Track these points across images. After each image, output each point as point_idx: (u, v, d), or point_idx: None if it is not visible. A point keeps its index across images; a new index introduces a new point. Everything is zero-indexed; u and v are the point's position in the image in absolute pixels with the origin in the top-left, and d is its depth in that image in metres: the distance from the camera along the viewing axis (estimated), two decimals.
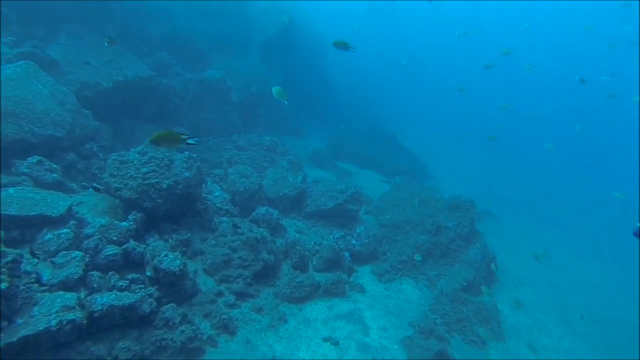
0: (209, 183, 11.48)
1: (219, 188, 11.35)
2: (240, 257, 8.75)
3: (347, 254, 10.52)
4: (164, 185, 8.17)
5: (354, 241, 10.95)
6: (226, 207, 10.48)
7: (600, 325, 11.42)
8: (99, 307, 5.65)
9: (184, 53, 14.74)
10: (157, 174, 8.22)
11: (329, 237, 11.01)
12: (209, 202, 10.16)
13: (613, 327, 11.48)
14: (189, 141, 5.04)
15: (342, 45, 7.75)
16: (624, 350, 10.41)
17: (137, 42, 13.96)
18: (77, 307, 5.38)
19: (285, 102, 8.30)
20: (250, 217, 10.61)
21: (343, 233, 11.52)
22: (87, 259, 6.28)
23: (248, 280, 8.53)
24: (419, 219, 12.51)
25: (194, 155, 9.20)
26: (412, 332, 8.51)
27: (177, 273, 6.82)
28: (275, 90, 8.43)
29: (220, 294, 8.03)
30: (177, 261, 6.96)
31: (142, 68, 11.95)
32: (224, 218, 9.93)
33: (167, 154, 8.68)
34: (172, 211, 8.63)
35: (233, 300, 8.01)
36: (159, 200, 8.06)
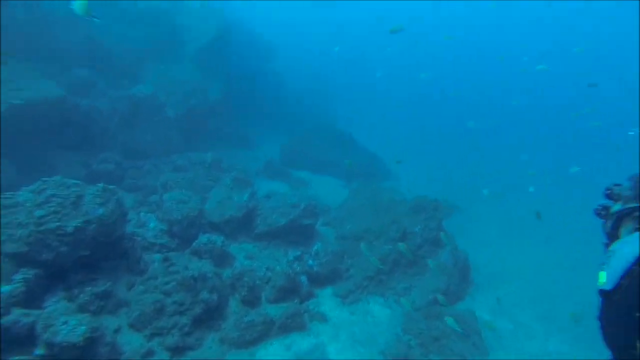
0: (142, 214, 9.73)
1: (154, 218, 9.61)
2: (175, 302, 7.11)
3: (304, 278, 9.05)
4: (69, 229, 6.43)
5: (311, 262, 9.50)
6: (161, 241, 8.78)
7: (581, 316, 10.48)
8: None
9: (107, 67, 12.77)
10: (59, 216, 6.47)
11: (283, 260, 9.51)
12: (138, 238, 8.44)
13: (591, 315, 10.59)
14: None
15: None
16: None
17: (48, 58, 11.92)
18: None
19: (96, 20, 5.85)
20: (190, 249, 8.99)
21: (299, 252, 10.05)
22: None
23: (186, 328, 6.92)
24: (381, 227, 11.21)
25: (112, 187, 7.48)
26: None
27: (81, 344, 5.13)
28: (77, 5, 5.85)
29: (150, 353, 6.39)
30: (82, 327, 5.28)
31: (50, 88, 10.04)
32: (157, 255, 8.24)
33: (74, 189, 6.93)
34: (87, 257, 6.89)
35: (167, 358, 6.39)
36: (64, 249, 6.32)
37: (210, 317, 7.39)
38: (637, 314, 1.96)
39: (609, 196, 2.64)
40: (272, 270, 9.03)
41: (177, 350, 6.60)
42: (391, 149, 24.63)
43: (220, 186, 11.09)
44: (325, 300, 8.83)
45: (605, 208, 2.62)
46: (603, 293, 2.13)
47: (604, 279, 2.12)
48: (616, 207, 2.55)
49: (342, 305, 8.79)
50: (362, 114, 29.42)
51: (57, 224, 6.34)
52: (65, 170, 10.73)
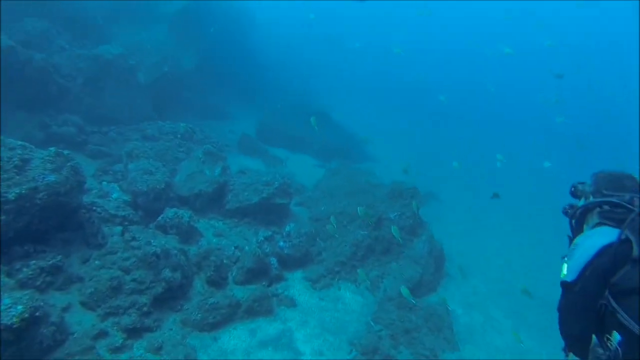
0: (104, 183, 8.95)
1: (118, 188, 8.87)
2: (134, 280, 6.51)
3: (273, 260, 8.57)
4: (11, 196, 5.65)
5: (282, 243, 9.01)
6: (123, 213, 8.04)
7: (547, 308, 10.54)
8: None
9: (72, 23, 11.53)
10: None
11: (253, 240, 8.97)
12: (98, 209, 7.69)
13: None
14: None
15: None
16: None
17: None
18: None
19: None
20: (155, 223, 8.33)
21: (270, 233, 9.55)
22: None
23: (145, 308, 6.35)
24: (356, 210, 10.81)
25: (66, 152, 6.68)
26: (353, 353, 6.80)
27: (16, 326, 4.48)
28: None
29: (102, 334, 5.78)
30: (19, 307, 4.61)
31: None
32: (117, 228, 7.54)
33: (19, 152, 6.11)
34: (35, 228, 6.15)
35: (121, 340, 5.81)
36: (2, 217, 5.54)
37: (172, 297, 6.83)
38: (595, 306, 2.01)
39: (573, 194, 2.71)
40: (241, 249, 8.55)
41: (133, 331, 6.02)
42: (368, 128, 24.10)
43: (191, 159, 10.36)
44: (295, 284, 8.39)
45: (572, 207, 2.66)
46: (564, 284, 2.17)
47: (565, 270, 2.18)
48: (580, 203, 2.60)
49: (313, 290, 8.38)
50: (340, 91, 28.64)
51: None
52: (18, 132, 9.74)
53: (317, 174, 14.89)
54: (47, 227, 6.39)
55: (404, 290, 7.16)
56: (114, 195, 8.54)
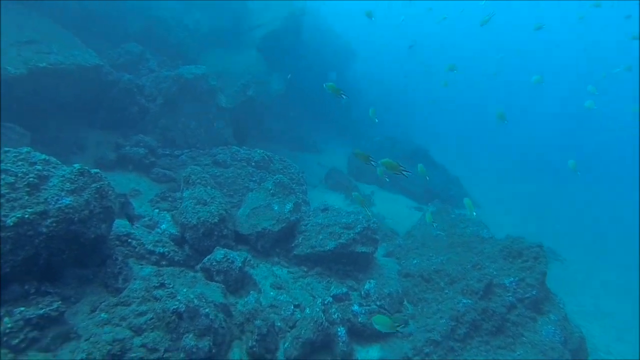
0: (156, 211, 7.71)
1: (170, 219, 7.48)
2: (144, 345, 4.74)
3: (342, 331, 6.23)
4: (10, 221, 4.40)
5: (356, 307, 6.69)
6: (162, 250, 6.55)
7: None
8: None
9: (164, 47, 11.27)
10: (3, 201, 4.48)
11: (319, 300, 6.75)
12: (133, 242, 6.31)
13: None
14: None
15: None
16: None
17: (110, 36, 10.74)
18: None
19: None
20: (200, 265, 6.69)
21: (345, 290, 7.31)
22: None
23: None
24: (459, 270, 8.05)
25: (94, 171, 5.41)
26: None
27: None
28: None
29: None
30: None
31: (86, 55, 8.52)
32: (147, 269, 6.01)
33: (38, 167, 4.97)
34: (44, 262, 4.85)
35: None
36: None
37: None
38: None
39: None
40: (303, 310, 6.44)
41: None
42: (473, 174, 20.87)
43: (260, 190, 8.74)
44: None
45: None
46: None
47: None
48: None
49: None
50: (438, 125, 25.75)
51: None
52: (95, 152, 9.22)
53: (412, 218, 12.32)
54: (60, 261, 5.10)
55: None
56: (163, 227, 7.17)
